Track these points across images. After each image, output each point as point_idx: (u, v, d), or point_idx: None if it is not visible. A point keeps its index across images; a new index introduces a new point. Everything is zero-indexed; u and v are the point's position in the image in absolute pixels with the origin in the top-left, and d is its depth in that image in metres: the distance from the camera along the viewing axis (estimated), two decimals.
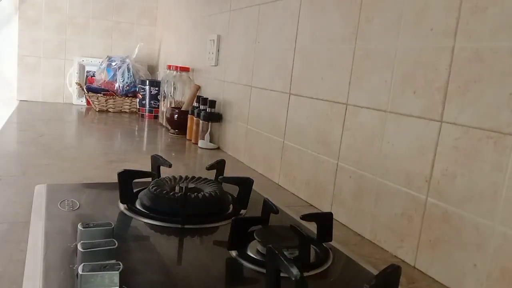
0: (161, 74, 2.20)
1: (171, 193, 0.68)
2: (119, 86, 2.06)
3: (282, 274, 0.43)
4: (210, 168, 0.82)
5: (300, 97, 0.97)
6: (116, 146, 1.32)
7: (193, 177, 0.79)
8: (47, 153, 1.13)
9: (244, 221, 0.59)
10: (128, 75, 2.08)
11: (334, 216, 0.64)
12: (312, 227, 0.65)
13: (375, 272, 0.55)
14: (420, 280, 0.61)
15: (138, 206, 0.70)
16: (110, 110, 2.06)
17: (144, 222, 0.65)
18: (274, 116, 1.08)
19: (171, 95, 1.73)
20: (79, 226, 0.51)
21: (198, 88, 1.62)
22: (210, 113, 1.40)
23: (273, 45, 1.09)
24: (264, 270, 0.50)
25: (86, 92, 2.05)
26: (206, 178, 0.79)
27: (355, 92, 0.79)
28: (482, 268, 0.54)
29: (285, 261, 0.42)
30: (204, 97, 1.47)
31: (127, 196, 0.70)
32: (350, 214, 0.79)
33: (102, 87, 2.06)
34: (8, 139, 1.28)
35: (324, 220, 0.61)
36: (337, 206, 0.83)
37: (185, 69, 1.73)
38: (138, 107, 1.99)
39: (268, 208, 0.62)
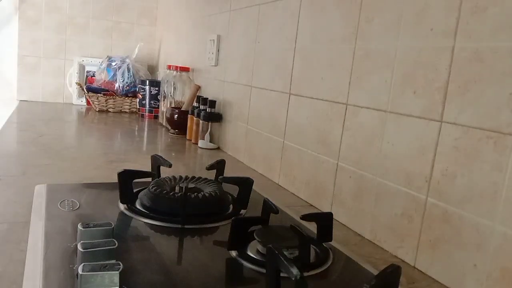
0: (161, 74, 2.20)
1: (171, 193, 0.68)
2: (119, 86, 2.06)
3: (282, 274, 0.43)
4: (210, 168, 0.82)
5: (300, 97, 0.97)
6: (116, 146, 1.32)
7: (193, 177, 0.79)
8: (47, 153, 1.13)
9: (244, 221, 0.59)
10: (128, 75, 2.08)
11: (334, 216, 0.64)
12: (312, 227, 0.65)
13: (375, 272, 0.55)
14: (420, 280, 0.61)
15: (138, 206, 0.70)
16: (110, 110, 2.06)
17: (144, 222, 0.65)
18: (274, 116, 1.08)
19: (171, 95, 1.73)
20: (79, 226, 0.51)
21: (198, 88, 1.62)
22: (210, 113, 1.40)
23: (273, 45, 1.09)
24: (264, 270, 0.50)
25: (86, 92, 2.05)
26: (206, 178, 0.79)
27: (355, 92, 0.79)
28: (482, 268, 0.54)
29: (285, 261, 0.42)
30: (204, 97, 1.47)
31: (127, 196, 0.70)
32: (350, 214, 0.79)
33: (102, 87, 2.06)
34: (8, 139, 1.28)
35: (324, 220, 0.61)
36: (337, 206, 0.83)
37: (185, 69, 1.73)
38: (138, 107, 1.99)
39: (268, 208, 0.62)
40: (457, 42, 0.59)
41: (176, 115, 1.60)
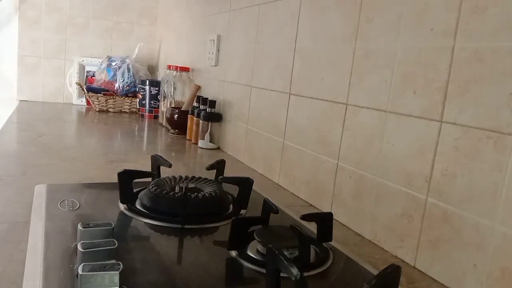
0: (161, 74, 2.20)
1: (171, 193, 0.68)
2: (119, 86, 2.06)
3: (282, 274, 0.43)
4: (210, 168, 0.82)
5: (300, 97, 0.97)
6: (116, 146, 1.32)
7: (193, 177, 0.79)
8: (47, 153, 1.13)
9: (244, 221, 0.59)
10: (128, 75, 2.08)
11: (334, 216, 0.64)
12: (312, 227, 0.65)
13: (375, 272, 0.55)
14: (420, 280, 0.61)
15: (138, 206, 0.70)
16: (110, 110, 2.06)
17: (144, 222, 0.64)
18: (274, 116, 1.08)
19: (171, 95, 1.73)
20: (79, 226, 0.51)
21: (198, 88, 1.62)
22: (210, 113, 1.40)
23: (273, 45, 1.09)
24: (264, 270, 0.50)
25: (86, 92, 2.05)
26: (206, 178, 0.79)
27: (355, 92, 0.79)
28: (482, 268, 0.54)
29: (285, 261, 0.42)
30: (204, 97, 1.47)
31: (127, 196, 0.70)
32: (350, 214, 0.79)
33: (102, 87, 2.06)
34: (8, 139, 1.28)
35: (324, 220, 0.61)
36: (337, 206, 0.83)
37: (185, 69, 1.73)
38: (138, 107, 1.99)
39: (268, 208, 0.62)
40: (457, 42, 0.59)
41: (176, 115, 1.60)
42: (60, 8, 2.14)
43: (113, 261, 0.44)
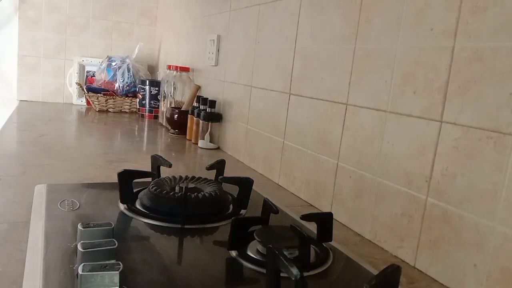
0: (161, 74, 2.20)
1: (171, 193, 0.68)
2: (119, 86, 2.06)
3: (282, 274, 0.43)
4: (210, 168, 0.82)
5: (300, 97, 0.97)
6: (116, 146, 1.32)
7: (193, 177, 0.79)
8: (47, 153, 1.13)
9: (244, 221, 0.59)
10: (128, 75, 2.08)
11: (334, 216, 0.64)
12: (312, 227, 0.65)
13: (375, 272, 0.55)
14: (420, 280, 0.61)
15: (138, 206, 0.70)
16: (110, 110, 2.06)
17: (144, 222, 0.65)
18: (274, 116, 1.08)
19: (171, 95, 1.73)
20: (79, 226, 0.51)
21: (198, 88, 1.62)
22: (210, 113, 1.40)
23: (273, 45, 1.09)
24: (264, 270, 0.50)
25: (86, 92, 2.05)
26: (206, 178, 0.79)
27: (355, 92, 0.79)
28: (482, 268, 0.54)
29: (285, 261, 0.42)
30: (204, 97, 1.47)
31: (127, 196, 0.70)
32: (350, 214, 0.79)
33: (102, 87, 2.06)
34: (8, 139, 1.28)
35: (324, 220, 0.61)
36: (337, 206, 0.83)
37: (185, 69, 1.73)
38: (138, 107, 1.99)
39: (268, 208, 0.62)
40: (457, 42, 0.59)
41: (176, 115, 1.60)
42: (60, 8, 2.14)
43: (113, 261, 0.44)
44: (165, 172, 0.82)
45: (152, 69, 2.37)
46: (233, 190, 0.76)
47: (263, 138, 1.13)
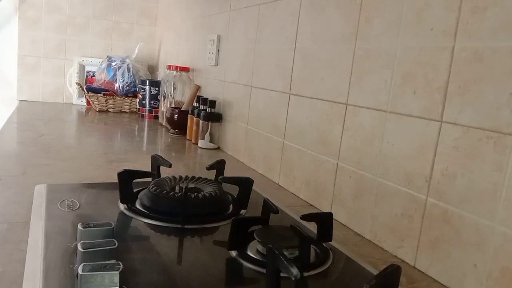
0: (161, 74, 2.20)
1: (171, 193, 0.68)
2: (119, 86, 2.06)
3: (282, 274, 0.43)
4: (210, 168, 0.82)
5: (300, 97, 0.97)
6: (116, 146, 1.32)
7: (193, 177, 0.79)
8: (47, 153, 1.13)
9: (244, 221, 0.59)
10: (128, 75, 2.08)
11: (334, 216, 0.64)
12: (312, 227, 0.65)
13: (375, 272, 0.55)
14: (420, 280, 0.61)
15: (138, 206, 0.70)
16: (110, 110, 2.06)
17: (144, 222, 0.65)
18: (274, 116, 1.08)
19: (171, 95, 1.73)
20: (79, 226, 0.51)
21: (198, 88, 1.62)
22: (210, 113, 1.40)
23: (273, 45, 1.09)
24: (264, 270, 0.50)
25: (86, 92, 2.05)
26: (206, 178, 0.79)
27: (355, 92, 0.79)
28: (482, 268, 0.54)
29: (285, 261, 0.42)
30: (204, 97, 1.47)
31: (127, 196, 0.70)
32: (350, 214, 0.79)
33: (102, 87, 2.06)
34: (8, 139, 1.28)
35: (324, 220, 0.61)
36: (337, 206, 0.83)
37: (185, 69, 1.73)
38: (138, 107, 1.99)
39: (268, 208, 0.62)
40: (457, 42, 0.59)
41: (176, 115, 1.60)
42: (60, 8, 2.14)
43: (113, 261, 0.44)
44: (165, 172, 0.82)
45: (152, 69, 2.37)
46: (233, 190, 0.76)
47: (263, 138, 1.13)
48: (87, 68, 2.22)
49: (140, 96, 1.95)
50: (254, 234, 0.57)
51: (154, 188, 0.70)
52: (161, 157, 0.81)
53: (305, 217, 0.60)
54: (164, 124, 1.75)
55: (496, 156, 0.53)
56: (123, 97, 2.07)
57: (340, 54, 0.83)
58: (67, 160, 1.08)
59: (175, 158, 1.23)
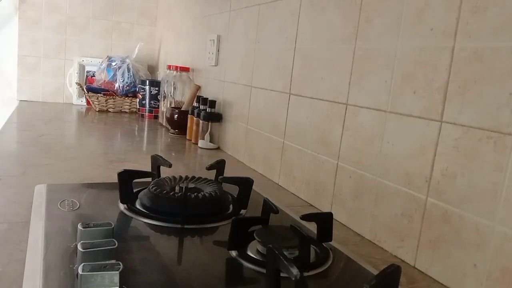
0: (161, 74, 2.20)
1: (171, 193, 0.68)
2: (119, 86, 2.06)
3: (282, 274, 0.43)
4: (210, 168, 0.82)
5: (300, 97, 0.97)
6: (116, 146, 1.32)
7: (193, 177, 0.79)
8: (47, 153, 1.13)
9: (244, 221, 0.59)
10: (128, 75, 2.08)
11: (334, 216, 0.64)
12: (312, 227, 0.65)
13: (375, 272, 0.55)
14: (420, 280, 0.61)
15: (138, 206, 0.70)
16: (110, 110, 2.06)
17: (144, 222, 0.65)
18: (274, 116, 1.08)
19: (171, 95, 1.73)
20: (79, 226, 0.51)
21: (198, 88, 1.62)
22: (210, 113, 1.40)
23: (273, 45, 1.09)
24: (264, 270, 0.50)
25: (86, 92, 2.05)
26: (206, 178, 0.79)
27: (355, 92, 0.79)
28: (482, 268, 0.54)
29: (285, 261, 0.42)
30: (204, 97, 1.47)
31: (127, 196, 0.70)
32: (350, 214, 0.79)
33: (102, 87, 2.06)
34: (8, 139, 1.28)
35: (324, 220, 0.61)
36: (337, 206, 0.83)
37: (185, 69, 1.73)
38: (138, 107, 1.99)
39: (268, 208, 0.62)
40: (457, 42, 0.59)
41: (176, 115, 1.60)
42: (60, 8, 2.14)
43: (113, 261, 0.44)
44: (165, 172, 0.82)
45: (152, 69, 2.37)
46: (233, 190, 0.76)
47: (263, 138, 1.13)
48: (87, 68, 2.22)
49: (140, 96, 1.95)
50: (254, 234, 0.57)
51: (154, 188, 0.70)
52: (161, 157, 0.81)
53: (305, 217, 0.60)
54: (164, 124, 1.75)
55: (496, 156, 0.53)
56: (123, 97, 2.07)
57: (340, 54, 0.83)
58: (67, 160, 1.08)
59: (175, 158, 1.23)
